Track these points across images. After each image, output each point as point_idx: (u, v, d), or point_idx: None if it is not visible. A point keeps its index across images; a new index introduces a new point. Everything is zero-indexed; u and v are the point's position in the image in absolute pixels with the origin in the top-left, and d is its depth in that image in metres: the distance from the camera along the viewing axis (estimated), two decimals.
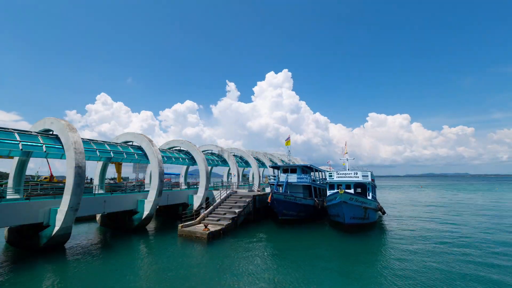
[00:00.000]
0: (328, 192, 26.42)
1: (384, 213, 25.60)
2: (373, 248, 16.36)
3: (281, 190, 26.09)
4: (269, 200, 22.62)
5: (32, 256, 14.31)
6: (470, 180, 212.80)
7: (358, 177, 25.24)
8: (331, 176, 27.08)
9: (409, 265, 13.14)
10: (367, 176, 25.05)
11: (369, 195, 24.85)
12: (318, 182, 32.08)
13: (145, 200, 21.24)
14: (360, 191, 27.68)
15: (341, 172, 26.53)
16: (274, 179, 28.58)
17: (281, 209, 23.38)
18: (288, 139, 31.84)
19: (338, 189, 25.46)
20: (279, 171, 30.01)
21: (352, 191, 25.01)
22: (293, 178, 27.71)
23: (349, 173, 25.98)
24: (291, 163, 30.52)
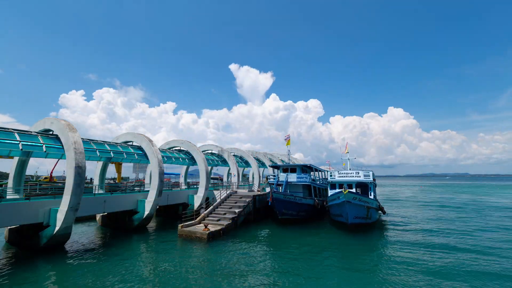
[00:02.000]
0: (330, 192, 26.32)
1: (384, 212, 25.57)
2: (376, 248, 16.27)
3: (281, 189, 26.05)
4: (270, 199, 22.62)
5: (32, 256, 14.32)
6: (470, 180, 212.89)
7: (359, 176, 25.25)
8: (332, 175, 26.99)
9: (411, 263, 13.14)
10: (369, 175, 25.08)
11: (370, 195, 24.81)
12: (318, 182, 32.05)
13: (145, 200, 21.25)
14: (359, 190, 27.60)
15: (343, 172, 26.50)
16: (274, 179, 28.54)
17: (280, 209, 23.35)
18: (287, 139, 31.82)
19: (339, 188, 25.44)
20: (278, 170, 29.98)
21: (353, 190, 24.98)
22: (292, 177, 27.64)
23: (351, 173, 25.99)
24: (290, 163, 30.51)
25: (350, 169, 28.00)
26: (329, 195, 25.54)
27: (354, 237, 18.65)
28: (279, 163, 42.17)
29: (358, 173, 25.55)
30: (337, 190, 24.64)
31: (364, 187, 26.85)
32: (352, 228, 20.20)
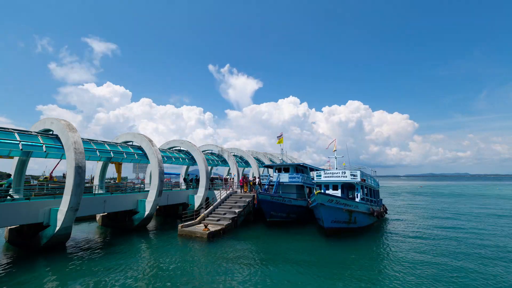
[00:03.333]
0: None
1: (380, 216, 24.18)
2: (361, 255, 15.21)
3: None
4: (255, 201, 21.53)
5: (32, 256, 14.32)
6: (470, 180, 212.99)
7: (346, 176, 23.41)
8: (319, 175, 25.47)
9: (405, 271, 13.09)
10: (356, 175, 22.91)
11: (357, 196, 23.11)
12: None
13: (145, 200, 21.26)
14: (363, 191, 26.56)
15: (329, 172, 24.88)
16: (267, 179, 27.74)
17: (268, 211, 22.57)
18: (280, 137, 31.32)
19: (326, 189, 24.35)
20: (272, 170, 29.11)
21: (339, 192, 23.59)
22: (285, 177, 26.65)
23: (337, 173, 24.07)
24: (285, 162, 30.00)
25: (337, 168, 26.47)
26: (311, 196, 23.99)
27: (333, 243, 17.16)
28: (279, 162, 42.11)
29: (345, 173, 23.58)
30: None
31: (352, 188, 25.10)
32: (330, 233, 18.63)
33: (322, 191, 23.03)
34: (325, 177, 24.75)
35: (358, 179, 22.99)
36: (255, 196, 21.56)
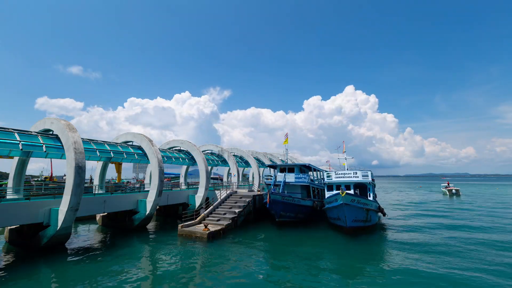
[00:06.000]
0: (327, 194, 25.42)
1: (384, 214, 24.73)
2: (378, 253, 15.52)
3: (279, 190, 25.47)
4: (267, 201, 21.84)
5: (33, 256, 14.33)
6: (470, 180, 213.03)
7: (358, 177, 24.28)
8: (329, 176, 25.97)
9: (415, 269, 13.05)
10: (367, 175, 24.10)
11: (370, 196, 23.91)
12: (317, 182, 31.50)
13: (146, 200, 21.26)
14: (359, 191, 26.94)
15: (340, 172, 25.54)
16: (271, 179, 27.87)
17: (278, 211, 22.69)
18: (286, 138, 31.48)
19: (337, 189, 24.64)
20: (276, 170, 29.38)
21: (352, 192, 24.18)
22: (290, 177, 26.81)
23: (349, 173, 24.88)
24: (289, 162, 30.13)
25: (347, 169, 27.00)
26: (326, 197, 24.60)
27: (354, 241, 17.61)
28: (279, 163, 42.07)
29: (356, 173, 24.50)
30: (334, 192, 23.54)
31: (363, 188, 25.92)
32: (350, 231, 19.27)
33: (334, 192, 23.74)
34: (337, 177, 25.33)
35: (370, 179, 23.94)
36: (268, 196, 21.78)
